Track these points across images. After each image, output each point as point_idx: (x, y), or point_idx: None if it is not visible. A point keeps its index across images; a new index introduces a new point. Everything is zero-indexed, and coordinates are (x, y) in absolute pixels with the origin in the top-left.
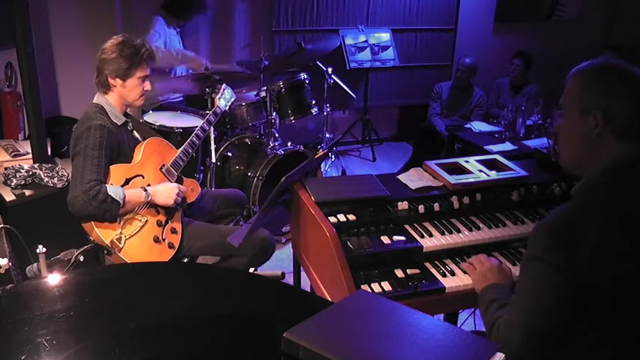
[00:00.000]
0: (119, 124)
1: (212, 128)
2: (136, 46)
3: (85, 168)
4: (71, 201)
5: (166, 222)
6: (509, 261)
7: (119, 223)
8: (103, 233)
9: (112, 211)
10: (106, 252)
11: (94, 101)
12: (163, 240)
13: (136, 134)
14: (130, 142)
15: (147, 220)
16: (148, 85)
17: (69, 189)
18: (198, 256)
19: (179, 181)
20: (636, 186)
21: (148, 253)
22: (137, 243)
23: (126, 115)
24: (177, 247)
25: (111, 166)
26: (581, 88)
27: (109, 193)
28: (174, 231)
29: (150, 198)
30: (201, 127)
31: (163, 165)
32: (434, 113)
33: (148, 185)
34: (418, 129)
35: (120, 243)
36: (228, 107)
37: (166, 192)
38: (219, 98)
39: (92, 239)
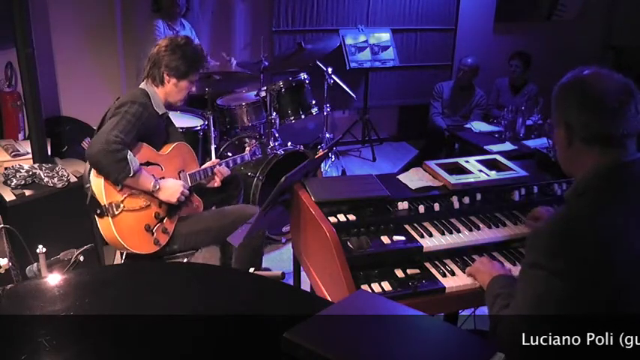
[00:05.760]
0: (160, 113)
1: (212, 128)
2: (199, 51)
3: (117, 125)
4: (91, 144)
5: (163, 218)
6: (510, 261)
7: (124, 192)
8: (107, 192)
9: (120, 175)
10: (98, 212)
11: (141, 87)
12: (153, 233)
13: (168, 130)
14: (162, 134)
15: (148, 206)
16: (193, 88)
17: (93, 137)
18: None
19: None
20: (628, 189)
21: (134, 236)
22: (130, 220)
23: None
24: (162, 245)
25: (142, 143)
26: (552, 103)
27: (128, 158)
28: (165, 231)
29: (157, 187)
30: (226, 162)
31: (182, 170)
32: (436, 112)
33: (162, 178)
34: (425, 130)
35: (116, 210)
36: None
37: (172, 189)
38: (252, 149)
39: (92, 191)
